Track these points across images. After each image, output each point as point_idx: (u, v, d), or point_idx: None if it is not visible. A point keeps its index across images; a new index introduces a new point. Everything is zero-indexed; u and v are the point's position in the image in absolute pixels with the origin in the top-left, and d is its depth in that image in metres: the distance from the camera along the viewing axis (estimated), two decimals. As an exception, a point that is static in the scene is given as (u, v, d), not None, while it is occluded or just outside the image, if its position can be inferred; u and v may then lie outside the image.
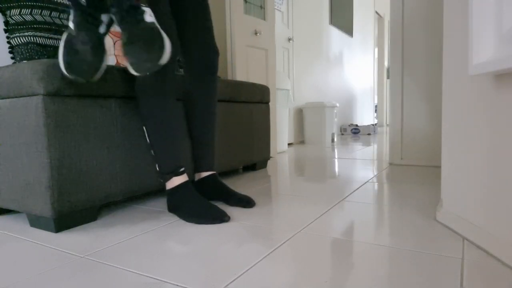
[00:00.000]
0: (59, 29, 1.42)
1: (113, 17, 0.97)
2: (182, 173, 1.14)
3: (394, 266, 0.75)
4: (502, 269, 0.71)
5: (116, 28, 1.02)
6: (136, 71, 0.92)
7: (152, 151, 1.14)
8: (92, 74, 0.93)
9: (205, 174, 1.29)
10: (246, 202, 1.22)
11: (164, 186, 1.17)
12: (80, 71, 0.92)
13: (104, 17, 0.99)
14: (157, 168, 1.15)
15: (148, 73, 0.94)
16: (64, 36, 0.95)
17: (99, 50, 0.94)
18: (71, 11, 0.95)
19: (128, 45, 0.91)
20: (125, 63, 0.96)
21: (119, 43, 1.13)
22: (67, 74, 0.92)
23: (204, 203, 1.10)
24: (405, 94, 2.10)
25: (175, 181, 1.13)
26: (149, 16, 0.94)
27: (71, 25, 0.94)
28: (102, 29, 0.99)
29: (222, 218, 1.06)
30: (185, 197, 1.11)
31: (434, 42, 2.00)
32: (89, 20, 0.95)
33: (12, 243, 0.95)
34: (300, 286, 0.67)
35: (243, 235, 0.96)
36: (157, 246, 0.89)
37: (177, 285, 0.69)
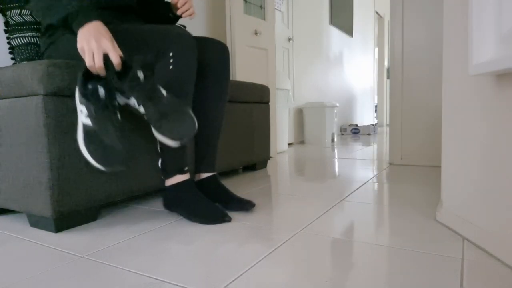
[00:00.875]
0: (59, 29, 1.42)
1: (133, 100, 0.95)
2: (185, 172, 1.14)
3: (394, 266, 0.75)
4: (502, 269, 0.71)
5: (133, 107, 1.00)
6: (178, 140, 0.92)
7: (158, 147, 1.13)
8: (127, 159, 0.89)
9: (205, 175, 1.29)
10: (245, 207, 1.19)
11: (164, 182, 1.16)
12: (117, 162, 0.87)
13: (121, 100, 0.96)
14: (160, 165, 1.14)
15: (186, 140, 0.93)
16: (80, 131, 0.89)
17: (124, 134, 0.92)
18: (84, 106, 0.89)
19: (161, 120, 0.93)
20: (160, 137, 0.94)
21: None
22: (103, 168, 0.87)
23: (206, 202, 1.10)
24: (405, 94, 2.10)
25: (177, 179, 1.13)
26: (162, 89, 0.98)
27: (86, 120, 0.88)
28: (119, 114, 0.95)
29: (223, 218, 1.06)
30: (187, 195, 1.11)
31: (434, 42, 2.00)
32: (108, 109, 0.90)
33: (12, 243, 0.95)
34: (300, 286, 0.67)
35: (243, 235, 0.96)
36: (157, 246, 0.90)
37: (177, 285, 0.69)
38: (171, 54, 1.04)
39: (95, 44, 0.91)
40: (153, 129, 0.96)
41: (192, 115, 0.97)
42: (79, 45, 0.93)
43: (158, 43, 1.05)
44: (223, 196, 1.23)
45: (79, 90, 0.91)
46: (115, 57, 0.93)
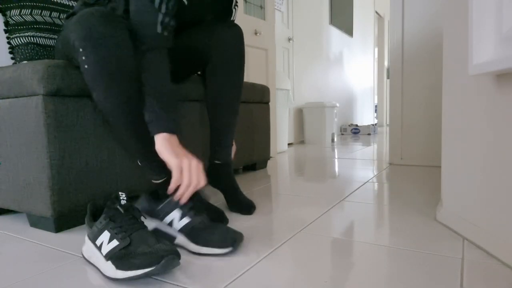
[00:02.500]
0: (59, 29, 1.42)
1: (174, 214, 0.88)
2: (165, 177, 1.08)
3: (394, 266, 0.75)
4: (502, 269, 0.71)
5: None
6: (229, 248, 0.84)
7: (138, 161, 1.09)
8: (175, 250, 0.71)
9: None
10: (245, 210, 1.17)
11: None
12: (169, 261, 0.69)
13: (150, 225, 0.88)
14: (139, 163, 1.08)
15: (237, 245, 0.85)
16: (107, 265, 0.72)
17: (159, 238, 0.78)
18: (110, 227, 0.74)
19: (207, 230, 0.86)
20: (205, 250, 0.84)
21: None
22: (158, 268, 0.68)
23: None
24: (405, 94, 2.10)
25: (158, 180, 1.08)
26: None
27: (112, 245, 0.73)
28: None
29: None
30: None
31: (434, 42, 2.00)
32: (138, 220, 0.78)
33: (12, 243, 0.95)
34: (300, 286, 0.67)
35: (243, 235, 0.96)
36: (157, 246, 0.89)
37: (177, 285, 0.69)
38: (80, 49, 0.86)
39: (191, 162, 0.88)
40: (193, 245, 0.85)
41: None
42: (174, 161, 0.87)
43: (71, 38, 0.89)
44: (227, 194, 1.21)
45: (90, 222, 0.81)
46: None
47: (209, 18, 1.26)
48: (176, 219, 0.87)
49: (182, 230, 0.87)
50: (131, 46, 0.91)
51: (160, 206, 0.89)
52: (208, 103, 1.22)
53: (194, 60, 1.24)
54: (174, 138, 0.93)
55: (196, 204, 0.93)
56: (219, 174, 1.23)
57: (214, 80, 1.18)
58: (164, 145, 0.90)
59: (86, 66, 0.87)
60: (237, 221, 1.08)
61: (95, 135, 1.09)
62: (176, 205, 0.88)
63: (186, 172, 0.87)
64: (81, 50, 0.86)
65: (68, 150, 1.02)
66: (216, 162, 1.24)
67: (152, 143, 0.95)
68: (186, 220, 0.87)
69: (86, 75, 0.88)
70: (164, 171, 1.03)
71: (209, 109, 1.22)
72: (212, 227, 0.87)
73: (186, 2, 1.12)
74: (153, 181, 1.06)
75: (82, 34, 0.86)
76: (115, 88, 0.89)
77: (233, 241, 0.83)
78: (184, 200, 0.87)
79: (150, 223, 0.91)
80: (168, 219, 0.88)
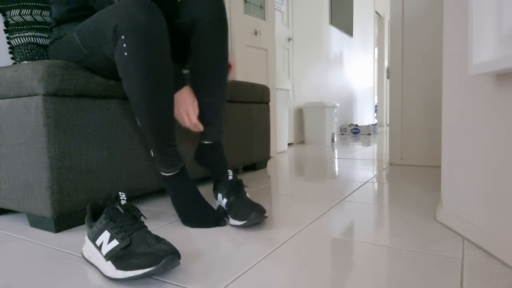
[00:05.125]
0: (59, 29, 1.42)
1: (223, 196, 1.10)
2: (179, 167, 1.10)
3: (394, 266, 0.75)
4: (502, 269, 0.71)
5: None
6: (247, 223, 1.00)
7: (151, 152, 1.12)
8: (175, 250, 0.71)
9: (206, 142, 1.20)
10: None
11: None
12: (169, 261, 0.70)
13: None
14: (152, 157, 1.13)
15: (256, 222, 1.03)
16: (107, 265, 0.72)
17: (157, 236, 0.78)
18: (110, 226, 0.74)
19: (237, 204, 1.04)
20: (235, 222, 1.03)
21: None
22: (159, 267, 0.68)
23: (200, 203, 1.08)
24: (405, 94, 2.10)
25: (170, 172, 1.09)
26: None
27: (112, 245, 0.72)
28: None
29: (217, 223, 1.04)
30: (181, 190, 1.08)
31: (434, 42, 2.00)
32: (138, 220, 0.78)
33: (12, 243, 0.95)
34: (300, 286, 0.67)
35: (243, 235, 0.96)
36: (157, 246, 0.89)
37: (177, 285, 0.69)
38: (122, 37, 0.89)
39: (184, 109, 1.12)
40: (231, 219, 1.04)
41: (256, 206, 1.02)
42: (175, 111, 1.12)
43: (109, 25, 0.91)
44: (215, 172, 1.19)
45: (90, 222, 0.81)
46: (193, 118, 1.13)
47: None
48: (222, 201, 1.10)
49: (226, 207, 1.08)
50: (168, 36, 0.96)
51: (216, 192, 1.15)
52: (195, 77, 1.16)
53: (182, 36, 1.18)
54: (186, 89, 1.13)
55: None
56: (209, 154, 1.18)
57: (200, 49, 1.13)
58: (179, 97, 1.13)
59: (125, 53, 0.89)
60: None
61: (95, 135, 1.09)
62: (218, 189, 1.14)
63: (184, 114, 1.12)
64: (123, 37, 0.89)
65: (68, 150, 1.02)
66: (205, 142, 1.19)
67: (171, 137, 1.04)
68: (225, 201, 1.09)
69: (122, 61, 0.91)
70: (174, 166, 1.09)
71: (196, 85, 1.16)
72: (241, 204, 1.03)
73: None
74: (162, 173, 1.12)
75: (126, 21, 0.88)
76: (151, 76, 0.92)
77: (249, 215, 0.99)
78: (200, 127, 1.16)
79: (216, 203, 1.17)
80: (219, 200, 1.13)
